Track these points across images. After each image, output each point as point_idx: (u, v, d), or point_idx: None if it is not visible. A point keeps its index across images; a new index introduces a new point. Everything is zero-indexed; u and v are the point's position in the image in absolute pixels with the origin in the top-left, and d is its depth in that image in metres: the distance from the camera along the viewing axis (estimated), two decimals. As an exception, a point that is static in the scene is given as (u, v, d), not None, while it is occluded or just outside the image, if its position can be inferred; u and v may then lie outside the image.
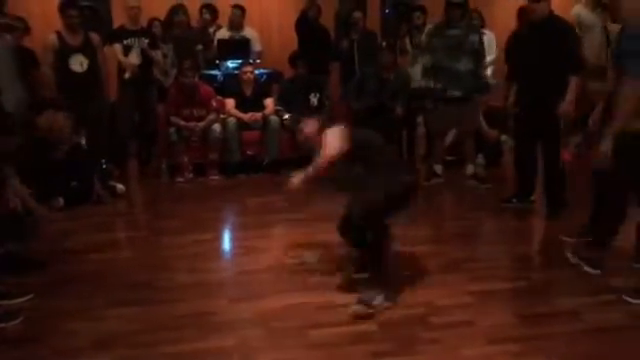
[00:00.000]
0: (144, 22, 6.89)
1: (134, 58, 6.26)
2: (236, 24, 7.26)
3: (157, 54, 6.56)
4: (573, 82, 4.52)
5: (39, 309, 3.39)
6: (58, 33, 5.65)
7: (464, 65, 5.56)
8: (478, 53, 5.65)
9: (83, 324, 3.19)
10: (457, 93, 5.60)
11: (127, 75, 6.21)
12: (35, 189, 4.17)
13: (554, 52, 4.49)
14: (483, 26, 6.76)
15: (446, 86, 5.59)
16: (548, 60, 4.51)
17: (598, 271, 3.68)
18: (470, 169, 6.03)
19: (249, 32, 7.36)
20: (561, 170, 4.83)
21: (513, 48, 5.21)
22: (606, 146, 3.37)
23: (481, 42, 5.69)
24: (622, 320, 3.15)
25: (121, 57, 6.24)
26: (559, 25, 4.59)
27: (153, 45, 6.46)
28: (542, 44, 4.53)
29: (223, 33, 7.31)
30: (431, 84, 5.69)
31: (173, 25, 7.02)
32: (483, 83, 5.85)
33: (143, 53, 6.32)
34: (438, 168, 6.08)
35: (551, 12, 4.61)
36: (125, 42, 6.30)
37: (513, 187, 5.18)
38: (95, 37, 5.84)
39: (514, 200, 5.08)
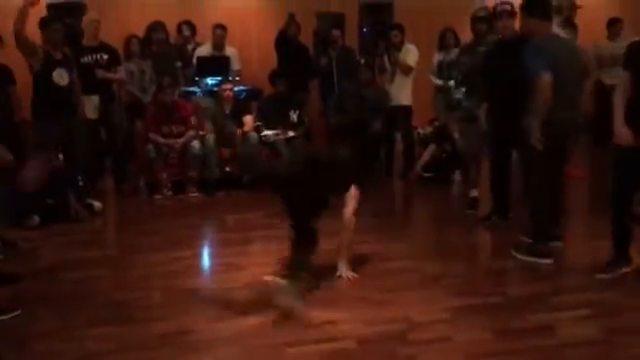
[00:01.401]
0: (122, 39, 6.89)
1: (90, 111, 6.23)
2: (219, 44, 7.28)
3: (119, 70, 6.54)
4: None
5: (15, 329, 3.35)
6: (43, 46, 5.61)
7: None
8: None
9: (60, 344, 3.15)
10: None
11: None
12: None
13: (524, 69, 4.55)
14: (457, 45, 6.79)
15: (476, 104, 5.38)
16: (520, 76, 4.56)
17: (549, 260, 4.08)
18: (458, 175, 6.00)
19: (229, 50, 7.38)
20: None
21: (486, 66, 5.22)
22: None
23: None
24: (596, 335, 3.20)
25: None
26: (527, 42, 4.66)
27: (113, 59, 6.48)
28: (515, 61, 4.57)
29: (202, 50, 7.32)
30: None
31: (151, 42, 7.02)
32: None
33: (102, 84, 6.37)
34: (474, 192, 5.61)
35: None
36: (83, 60, 6.29)
37: (491, 205, 5.13)
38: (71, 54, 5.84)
39: (494, 217, 5.11)
